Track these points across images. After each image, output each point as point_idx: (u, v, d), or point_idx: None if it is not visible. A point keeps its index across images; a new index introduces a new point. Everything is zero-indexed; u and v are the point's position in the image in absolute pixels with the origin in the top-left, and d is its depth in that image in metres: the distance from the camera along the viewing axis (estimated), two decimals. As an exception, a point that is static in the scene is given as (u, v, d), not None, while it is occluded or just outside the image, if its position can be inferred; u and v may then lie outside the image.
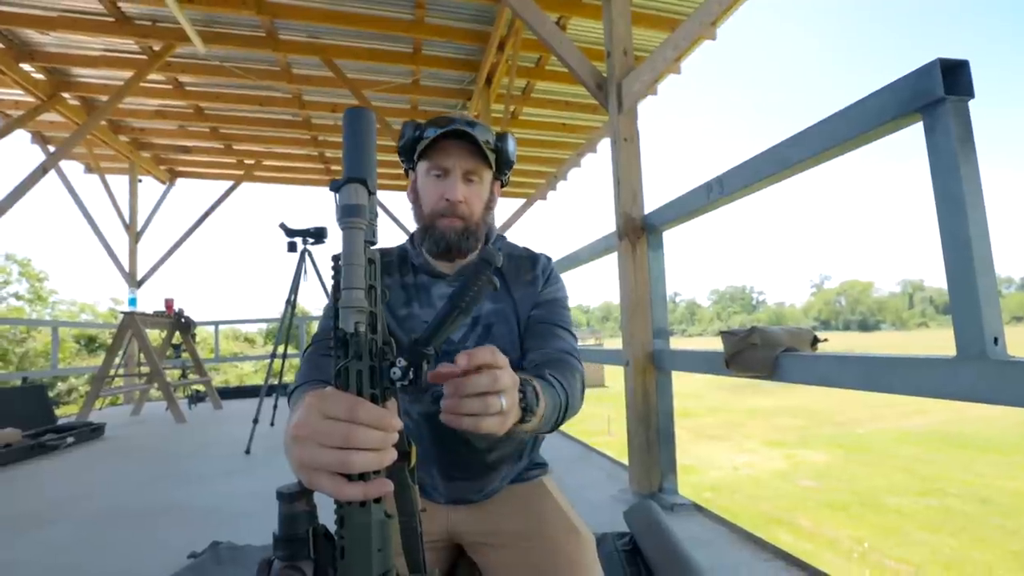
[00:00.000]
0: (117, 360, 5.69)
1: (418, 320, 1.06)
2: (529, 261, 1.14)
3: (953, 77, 1.12)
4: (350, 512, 0.49)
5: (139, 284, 8.17)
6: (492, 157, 1.04)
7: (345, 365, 0.51)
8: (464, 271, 1.09)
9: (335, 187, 0.53)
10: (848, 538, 10.53)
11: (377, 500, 0.50)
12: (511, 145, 1.09)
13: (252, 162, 8.41)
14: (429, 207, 1.04)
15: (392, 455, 0.51)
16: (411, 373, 0.53)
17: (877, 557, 9.69)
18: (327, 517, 0.51)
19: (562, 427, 0.93)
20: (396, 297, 1.07)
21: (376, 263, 0.53)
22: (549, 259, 1.16)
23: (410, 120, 1.06)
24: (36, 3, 4.71)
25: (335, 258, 0.52)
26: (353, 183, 0.52)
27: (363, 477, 0.49)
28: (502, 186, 1.16)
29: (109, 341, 6.08)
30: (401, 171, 1.14)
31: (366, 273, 0.51)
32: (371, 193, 0.53)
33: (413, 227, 1.12)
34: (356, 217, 0.51)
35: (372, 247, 0.54)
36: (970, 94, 1.12)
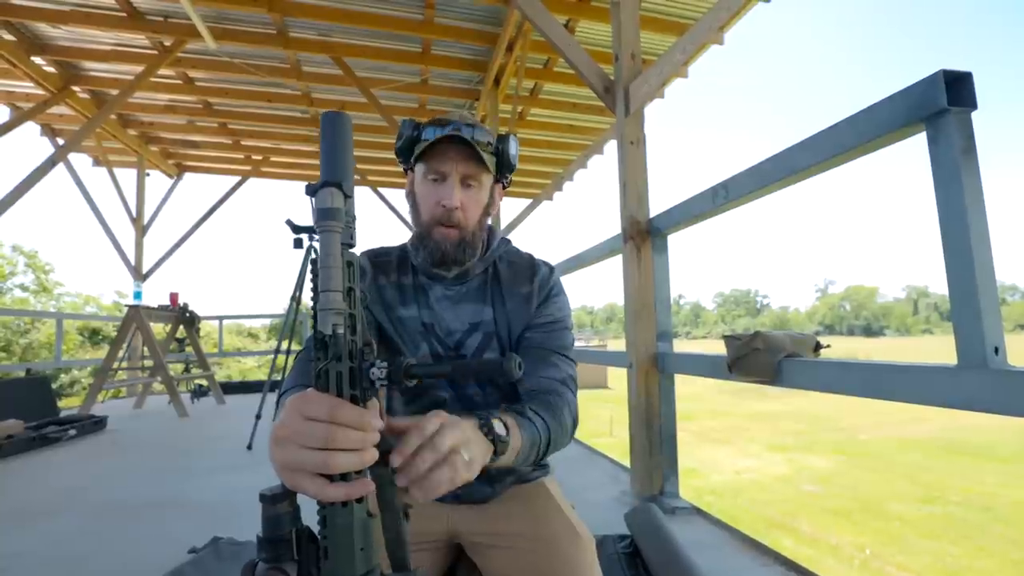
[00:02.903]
0: (121, 353, 5.72)
1: (415, 322, 1.04)
2: (529, 271, 1.10)
3: (956, 88, 1.13)
4: (332, 512, 0.50)
5: (144, 277, 8.21)
6: (492, 161, 1.02)
7: (325, 367, 0.51)
8: (470, 277, 1.08)
9: (311, 191, 0.53)
10: (850, 544, 10.50)
11: (359, 500, 0.50)
12: (513, 147, 1.05)
13: (260, 158, 8.44)
14: (427, 213, 1.01)
15: (373, 455, 0.52)
16: (391, 376, 0.53)
17: (878, 564, 9.66)
18: (310, 518, 0.52)
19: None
20: (393, 297, 1.06)
21: (355, 265, 0.54)
22: (552, 270, 1.13)
23: (408, 119, 1.03)
24: (49, -3, 4.74)
25: (313, 262, 0.52)
26: (329, 187, 0.52)
27: (345, 477, 0.50)
28: (504, 188, 1.12)
29: (113, 334, 6.12)
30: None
31: (344, 275, 0.52)
32: (347, 196, 0.54)
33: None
34: (332, 220, 0.51)
35: (351, 249, 0.54)
36: (973, 105, 1.13)
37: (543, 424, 0.87)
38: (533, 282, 1.08)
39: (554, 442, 0.90)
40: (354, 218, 0.55)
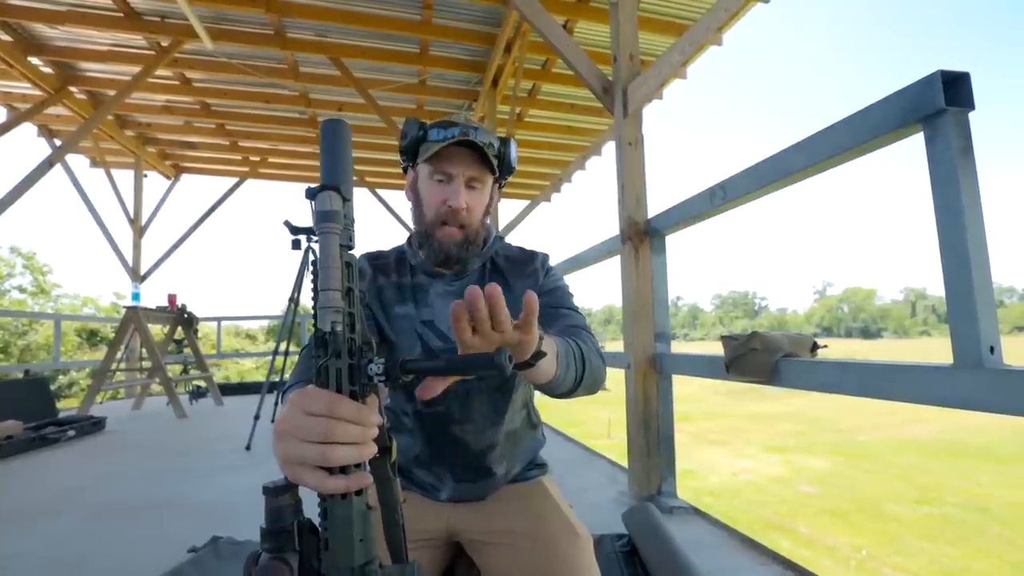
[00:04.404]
0: (119, 354, 5.72)
1: (413, 320, 1.06)
2: (527, 256, 1.16)
3: (954, 89, 1.13)
4: (332, 505, 0.51)
5: (142, 279, 8.20)
6: (495, 163, 1.05)
7: (325, 363, 0.52)
8: (468, 272, 1.10)
9: (310, 194, 0.55)
10: (847, 545, 10.50)
11: (358, 493, 0.52)
12: (513, 151, 1.10)
13: (257, 159, 8.43)
14: (431, 213, 1.05)
15: (371, 449, 0.53)
16: (388, 371, 0.54)
17: (875, 565, 9.66)
18: (312, 511, 0.53)
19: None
20: (392, 296, 1.08)
21: (354, 266, 0.55)
22: (546, 255, 1.19)
23: (412, 118, 1.05)
24: (46, -2, 4.73)
25: (313, 263, 0.54)
26: (327, 190, 0.54)
27: (344, 471, 0.51)
28: (500, 188, 1.17)
29: (111, 335, 6.11)
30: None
31: (343, 275, 0.53)
32: (346, 200, 0.55)
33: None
34: (331, 222, 0.53)
35: (350, 251, 0.55)
36: (970, 106, 1.13)
37: (573, 342, 0.88)
38: (535, 262, 1.15)
39: (588, 360, 0.89)
40: (353, 220, 0.57)
